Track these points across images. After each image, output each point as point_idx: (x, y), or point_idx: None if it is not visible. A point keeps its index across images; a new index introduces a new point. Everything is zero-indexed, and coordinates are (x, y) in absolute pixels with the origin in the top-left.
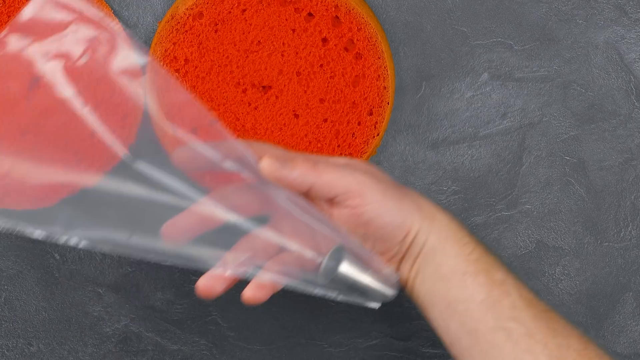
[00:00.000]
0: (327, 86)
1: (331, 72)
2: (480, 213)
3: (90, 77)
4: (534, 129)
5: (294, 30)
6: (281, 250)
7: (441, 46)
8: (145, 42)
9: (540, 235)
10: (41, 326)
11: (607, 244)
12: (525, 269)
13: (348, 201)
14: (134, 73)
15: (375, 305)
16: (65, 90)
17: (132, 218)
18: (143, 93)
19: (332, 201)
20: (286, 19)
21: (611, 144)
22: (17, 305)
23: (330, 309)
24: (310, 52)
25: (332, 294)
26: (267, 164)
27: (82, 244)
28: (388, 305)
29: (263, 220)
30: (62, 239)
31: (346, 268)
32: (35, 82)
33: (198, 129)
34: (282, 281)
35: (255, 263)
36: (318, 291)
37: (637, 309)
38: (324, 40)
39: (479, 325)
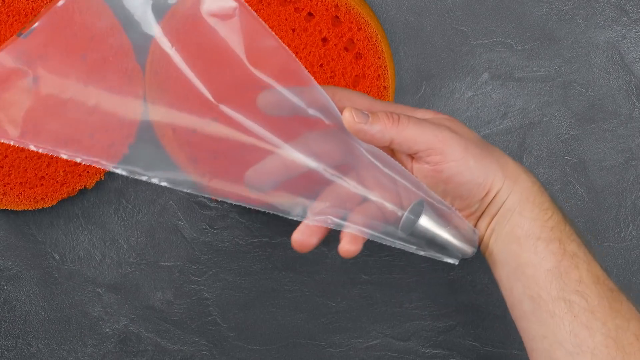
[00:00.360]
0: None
1: (331, 72)
2: None
3: (178, 18)
4: (534, 128)
5: (293, 30)
6: (364, 200)
7: (441, 46)
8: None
9: None
10: (40, 326)
11: (607, 244)
12: None
13: (429, 157)
14: (224, 16)
15: (453, 261)
16: (153, 29)
17: (213, 163)
18: (143, 93)
19: (413, 156)
20: (286, 19)
21: (612, 144)
22: (16, 306)
23: (329, 309)
24: (310, 52)
25: (411, 248)
26: (349, 117)
27: (163, 184)
28: (388, 305)
29: (347, 169)
30: (142, 178)
31: (426, 222)
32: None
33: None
34: (367, 233)
35: (341, 213)
36: (398, 244)
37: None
38: (324, 40)
39: (542, 293)
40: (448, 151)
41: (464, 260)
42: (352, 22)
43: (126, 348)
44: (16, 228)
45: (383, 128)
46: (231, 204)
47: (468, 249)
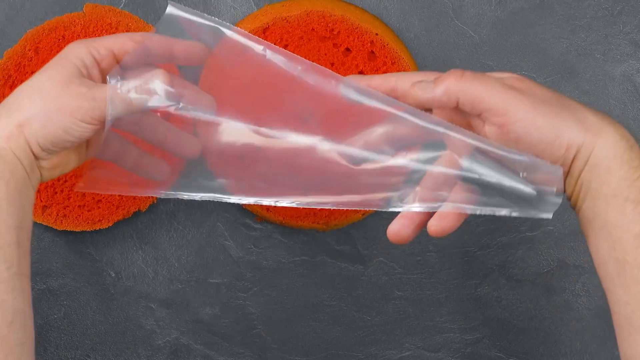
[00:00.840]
0: None
1: None
2: (506, 234)
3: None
4: None
5: (332, 64)
6: (455, 177)
7: None
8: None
9: (561, 254)
10: (98, 339)
11: None
12: (548, 285)
13: (494, 119)
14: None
15: (547, 215)
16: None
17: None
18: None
19: (480, 117)
20: (325, 54)
21: None
22: (75, 319)
23: (365, 322)
24: None
25: (502, 211)
26: (413, 88)
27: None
28: (420, 319)
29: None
30: (230, 200)
31: (506, 181)
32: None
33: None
34: (468, 209)
35: (440, 196)
36: (489, 210)
37: None
38: (361, 73)
39: (628, 258)
40: (512, 111)
41: (490, 277)
42: (386, 57)
43: (177, 359)
44: (75, 248)
45: (448, 85)
46: (275, 225)
47: (556, 200)
